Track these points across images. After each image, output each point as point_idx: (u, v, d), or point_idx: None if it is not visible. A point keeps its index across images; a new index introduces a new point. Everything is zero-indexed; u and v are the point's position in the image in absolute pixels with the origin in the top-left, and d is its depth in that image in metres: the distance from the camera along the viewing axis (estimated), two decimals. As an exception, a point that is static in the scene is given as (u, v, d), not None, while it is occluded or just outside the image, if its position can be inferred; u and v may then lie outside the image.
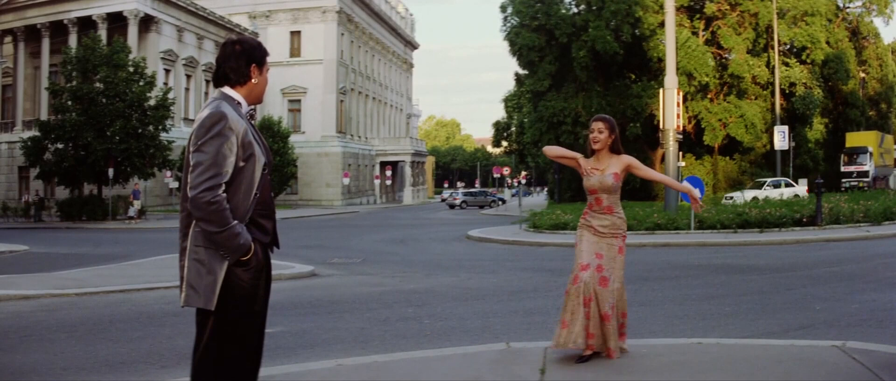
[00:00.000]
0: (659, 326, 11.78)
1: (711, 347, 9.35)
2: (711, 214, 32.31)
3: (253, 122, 5.50)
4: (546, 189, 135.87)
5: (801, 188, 53.31)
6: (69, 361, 10.14)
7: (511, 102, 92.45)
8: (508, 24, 67.59)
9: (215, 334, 5.23)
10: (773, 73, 61.42)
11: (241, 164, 5.19)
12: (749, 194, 48.35)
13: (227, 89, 5.41)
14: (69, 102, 53.99)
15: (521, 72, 73.88)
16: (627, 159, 8.69)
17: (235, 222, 5.10)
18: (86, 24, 72.91)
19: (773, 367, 8.23)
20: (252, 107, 5.55)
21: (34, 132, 59.15)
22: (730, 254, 23.54)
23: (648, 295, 15.13)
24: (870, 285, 15.30)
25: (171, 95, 59.50)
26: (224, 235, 5.02)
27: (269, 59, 5.62)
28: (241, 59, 5.40)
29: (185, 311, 5.52)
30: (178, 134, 67.83)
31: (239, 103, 5.38)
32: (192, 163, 5.09)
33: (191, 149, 5.13)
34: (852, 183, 65.56)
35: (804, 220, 30.85)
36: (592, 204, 8.66)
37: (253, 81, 5.45)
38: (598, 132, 8.55)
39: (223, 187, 5.06)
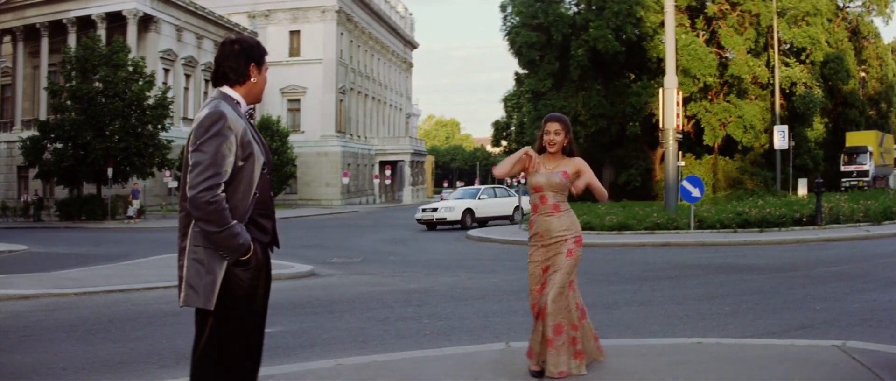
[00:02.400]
0: (659, 325, 11.78)
1: (712, 347, 9.34)
2: (711, 213, 32.32)
3: (252, 121, 5.49)
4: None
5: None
6: (68, 361, 10.14)
7: (511, 102, 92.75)
8: (508, 24, 67.61)
9: (214, 333, 5.21)
10: (773, 73, 61.42)
11: (241, 163, 5.18)
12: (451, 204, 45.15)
13: (226, 89, 5.40)
14: (68, 102, 54.01)
15: (521, 71, 73.88)
16: (580, 162, 8.14)
17: (235, 221, 5.09)
18: (85, 23, 72.88)
19: (774, 367, 8.22)
20: (251, 106, 5.53)
21: (33, 132, 59.22)
22: (729, 254, 23.53)
23: (648, 295, 15.15)
24: (870, 285, 15.30)
25: (170, 95, 59.53)
26: (223, 234, 5.02)
27: (268, 59, 5.60)
28: (239, 59, 5.39)
29: (184, 311, 5.51)
30: (178, 133, 67.77)
31: (238, 103, 5.37)
32: (191, 162, 5.08)
33: (190, 148, 5.12)
34: (852, 183, 65.61)
35: (804, 219, 30.86)
36: (537, 204, 8.17)
37: (252, 80, 5.45)
38: (555, 134, 8.02)
39: (222, 187, 5.05)
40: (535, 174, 8.02)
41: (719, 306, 13.45)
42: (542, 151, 8.13)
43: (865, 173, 67.21)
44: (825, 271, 18.27)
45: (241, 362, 5.32)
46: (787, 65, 64.69)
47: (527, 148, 8.15)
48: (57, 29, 74.64)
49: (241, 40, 5.48)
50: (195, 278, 5.15)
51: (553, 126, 8.05)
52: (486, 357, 8.97)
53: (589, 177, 8.12)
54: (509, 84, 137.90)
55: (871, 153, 68.18)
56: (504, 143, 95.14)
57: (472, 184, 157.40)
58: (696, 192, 30.38)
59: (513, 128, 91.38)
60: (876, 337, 9.87)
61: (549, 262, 8.14)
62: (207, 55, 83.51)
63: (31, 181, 67.33)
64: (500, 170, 8.26)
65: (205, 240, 5.11)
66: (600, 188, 8.25)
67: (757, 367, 8.23)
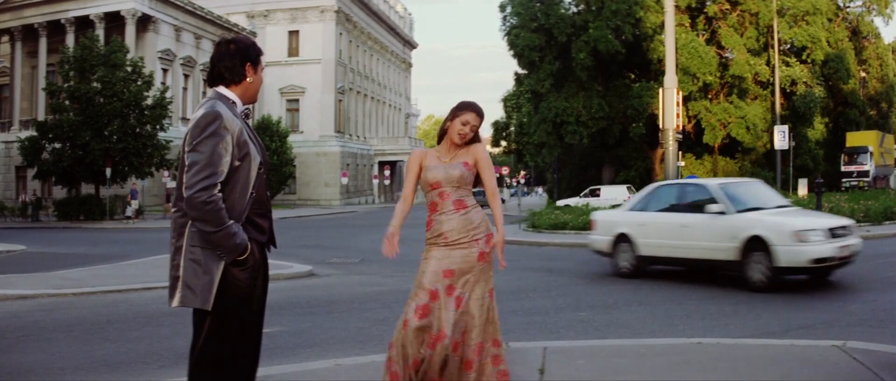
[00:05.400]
0: (658, 325, 11.76)
1: (712, 347, 9.32)
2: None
3: (249, 121, 5.47)
4: (544, 189, 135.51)
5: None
6: (67, 361, 10.13)
7: (510, 102, 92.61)
8: (508, 24, 67.41)
9: (212, 334, 5.20)
10: (773, 72, 61.36)
11: (237, 163, 5.17)
12: None
13: (222, 89, 5.40)
14: (66, 102, 53.96)
15: (521, 72, 73.67)
16: (480, 150, 7.07)
17: (231, 221, 5.08)
18: (83, 23, 72.79)
19: (774, 367, 8.21)
20: (247, 106, 5.52)
21: (31, 132, 59.20)
22: (729, 253, 23.48)
23: (647, 295, 15.13)
24: (870, 285, 15.28)
25: (168, 95, 59.37)
26: (220, 234, 5.00)
27: (267, 59, 5.59)
28: (235, 59, 5.38)
29: (182, 311, 5.48)
30: (176, 133, 67.62)
31: (234, 103, 5.37)
32: (187, 163, 5.08)
33: (186, 149, 5.12)
34: (852, 183, 65.56)
35: (804, 219, 30.73)
36: (436, 202, 6.92)
37: (248, 80, 5.44)
38: (470, 129, 6.90)
39: (219, 187, 5.05)
40: (430, 169, 6.91)
41: (720, 306, 13.42)
42: (450, 146, 6.98)
43: (866, 173, 67.13)
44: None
45: (239, 362, 5.31)
46: (787, 64, 64.60)
47: (419, 159, 7.00)
48: (55, 29, 74.57)
49: (237, 40, 5.47)
50: (192, 279, 5.13)
51: (472, 118, 6.92)
52: (486, 358, 8.91)
53: (485, 170, 7.08)
54: (509, 84, 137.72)
55: (871, 153, 68.11)
56: (503, 143, 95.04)
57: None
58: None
59: (512, 128, 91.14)
60: (876, 337, 9.86)
61: (454, 266, 6.81)
62: (206, 55, 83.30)
63: (30, 181, 67.21)
64: (404, 190, 7.12)
65: (202, 240, 5.09)
66: (493, 187, 7.21)
67: (757, 367, 8.22)
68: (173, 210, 5.36)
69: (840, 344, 8.96)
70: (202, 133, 5.05)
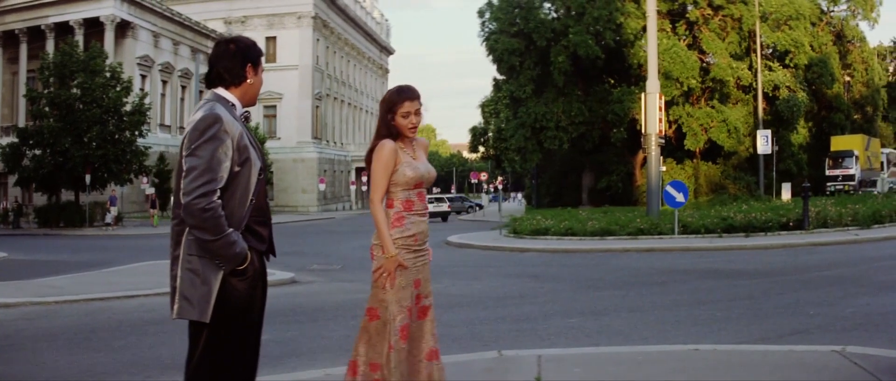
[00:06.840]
0: (651, 332, 11.63)
1: (709, 353, 9.22)
2: (695, 218, 32.22)
3: (248, 125, 5.30)
4: (521, 194, 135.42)
5: None
6: (51, 371, 10.00)
7: (488, 108, 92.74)
8: (486, 29, 67.37)
9: (210, 346, 5.01)
10: (756, 76, 61.51)
11: (237, 169, 4.99)
12: None
13: (221, 90, 5.21)
14: (47, 109, 54.19)
15: (500, 77, 73.58)
16: (427, 145, 6.58)
17: (231, 229, 4.90)
18: (63, 29, 72.86)
19: (774, 373, 8.18)
20: (246, 110, 5.34)
21: (12, 139, 59.14)
22: (716, 259, 23.42)
23: (636, 301, 15.02)
24: (863, 289, 15.23)
25: (147, 101, 59.52)
26: (219, 243, 4.82)
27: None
28: (235, 59, 5.20)
29: (167, 320, 5.33)
30: (154, 140, 67.82)
31: (233, 105, 5.19)
32: (185, 168, 4.88)
33: (184, 153, 4.92)
34: (838, 187, 65.62)
35: (791, 224, 30.72)
36: (413, 201, 6.26)
37: (249, 81, 5.26)
38: (416, 115, 6.26)
39: (218, 194, 4.86)
40: (410, 166, 6.25)
41: (711, 312, 13.33)
42: (394, 136, 6.27)
43: (851, 177, 67.26)
44: (816, 275, 18.19)
45: (237, 375, 5.13)
46: (770, 69, 64.68)
47: (391, 148, 6.17)
48: (36, 35, 74.61)
49: (237, 40, 5.29)
50: (189, 289, 4.94)
51: (414, 105, 6.26)
52: (479, 366, 8.80)
53: None
54: (485, 90, 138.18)
55: (857, 157, 68.25)
56: (481, 149, 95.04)
57: (449, 190, 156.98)
58: (679, 197, 30.36)
59: (490, 134, 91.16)
60: (872, 342, 9.78)
61: (417, 274, 6.39)
62: (184, 61, 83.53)
63: (11, 188, 67.14)
64: (381, 190, 6.21)
65: (199, 249, 4.91)
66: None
67: (757, 373, 8.18)
68: (171, 218, 5.20)
69: (839, 349, 8.90)
70: (201, 137, 4.86)
